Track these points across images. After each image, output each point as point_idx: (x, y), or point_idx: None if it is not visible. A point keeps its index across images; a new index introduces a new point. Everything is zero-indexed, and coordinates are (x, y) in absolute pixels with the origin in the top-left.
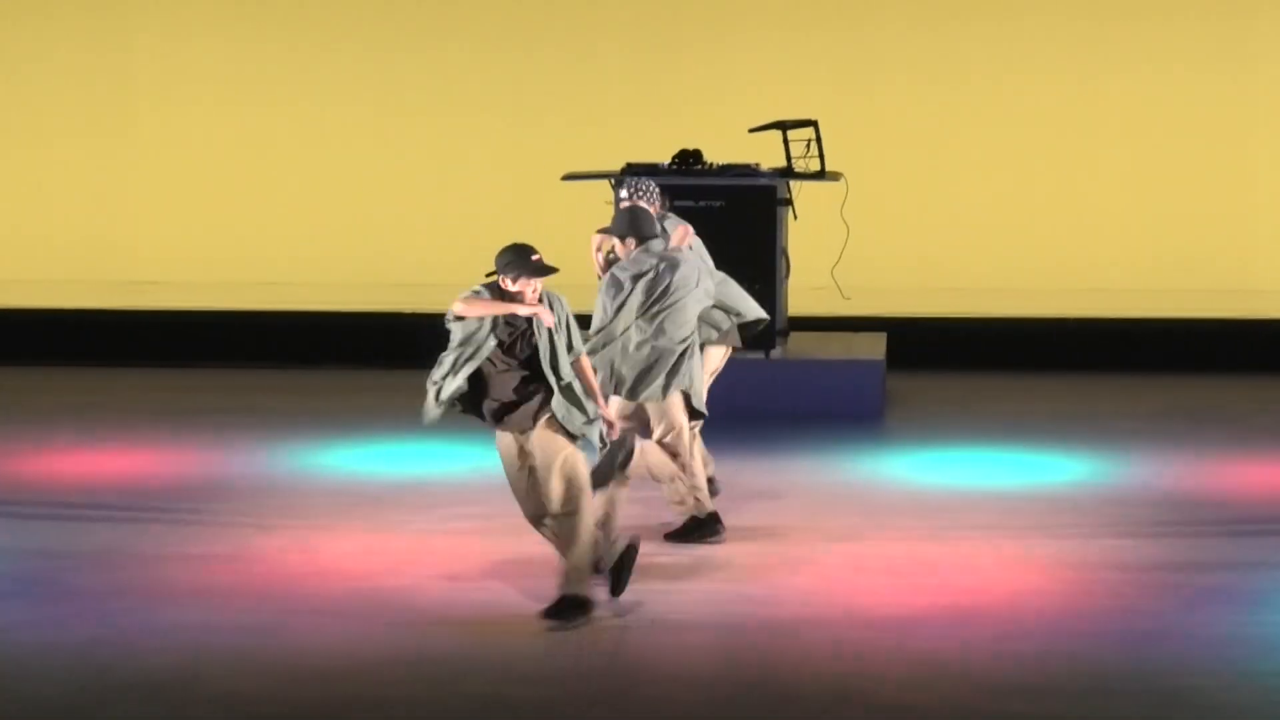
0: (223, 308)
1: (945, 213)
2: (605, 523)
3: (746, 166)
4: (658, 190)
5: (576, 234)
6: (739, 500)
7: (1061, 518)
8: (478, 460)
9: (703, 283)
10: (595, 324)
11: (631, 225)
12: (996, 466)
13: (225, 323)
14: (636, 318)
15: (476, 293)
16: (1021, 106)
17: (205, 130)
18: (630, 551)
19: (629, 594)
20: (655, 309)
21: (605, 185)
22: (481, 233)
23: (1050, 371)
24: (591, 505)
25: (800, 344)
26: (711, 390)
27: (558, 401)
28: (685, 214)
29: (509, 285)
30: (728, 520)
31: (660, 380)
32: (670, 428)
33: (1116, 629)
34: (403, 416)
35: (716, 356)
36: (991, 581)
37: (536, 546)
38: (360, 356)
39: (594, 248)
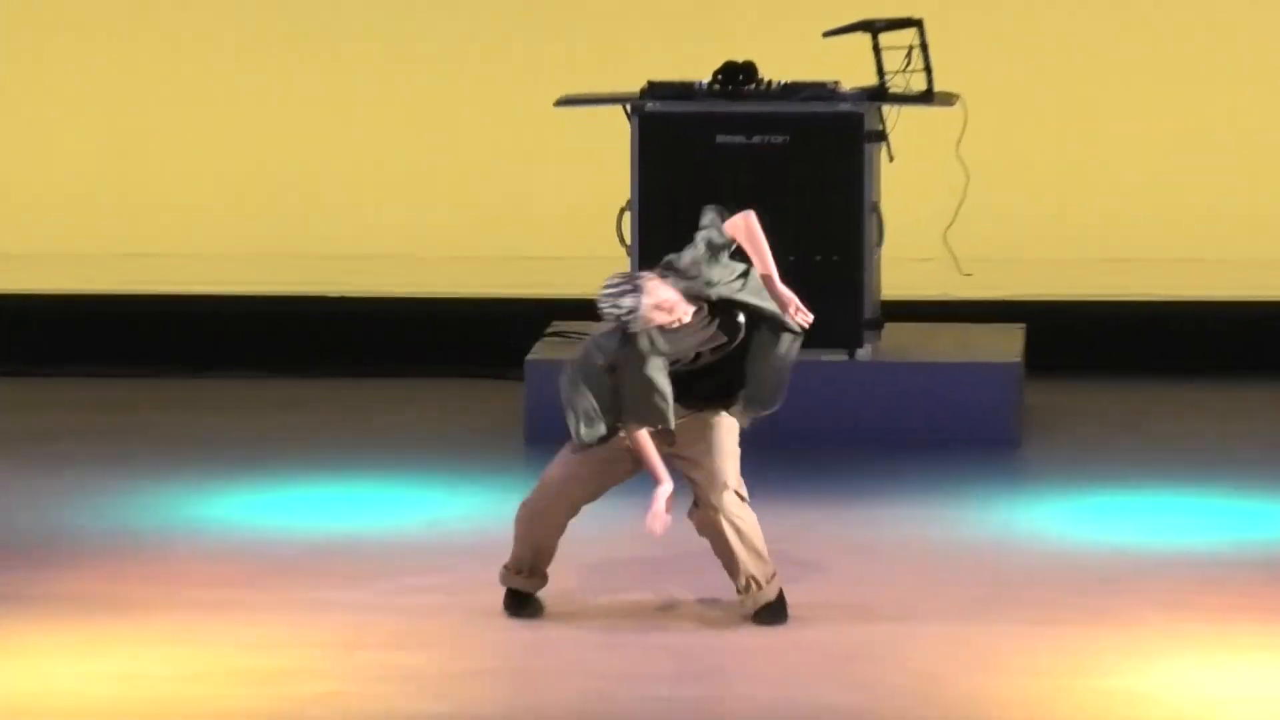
0: (84, 291)
1: (1106, 152)
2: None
3: (821, 86)
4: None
5: (581, 183)
6: (817, 561)
7: (1277, 591)
8: (436, 508)
9: None
10: None
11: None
12: (1181, 516)
13: (86, 312)
14: None
15: None
16: (1205, 9)
17: (71, 70)
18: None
19: (676, 696)
20: None
21: (618, 114)
22: (450, 187)
23: (1256, 376)
24: None
25: (900, 339)
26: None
27: None
28: (736, 152)
29: None
30: (802, 588)
31: None
32: None
33: None
34: (334, 443)
35: None
36: (1175, 682)
37: (522, 629)
38: (273, 358)
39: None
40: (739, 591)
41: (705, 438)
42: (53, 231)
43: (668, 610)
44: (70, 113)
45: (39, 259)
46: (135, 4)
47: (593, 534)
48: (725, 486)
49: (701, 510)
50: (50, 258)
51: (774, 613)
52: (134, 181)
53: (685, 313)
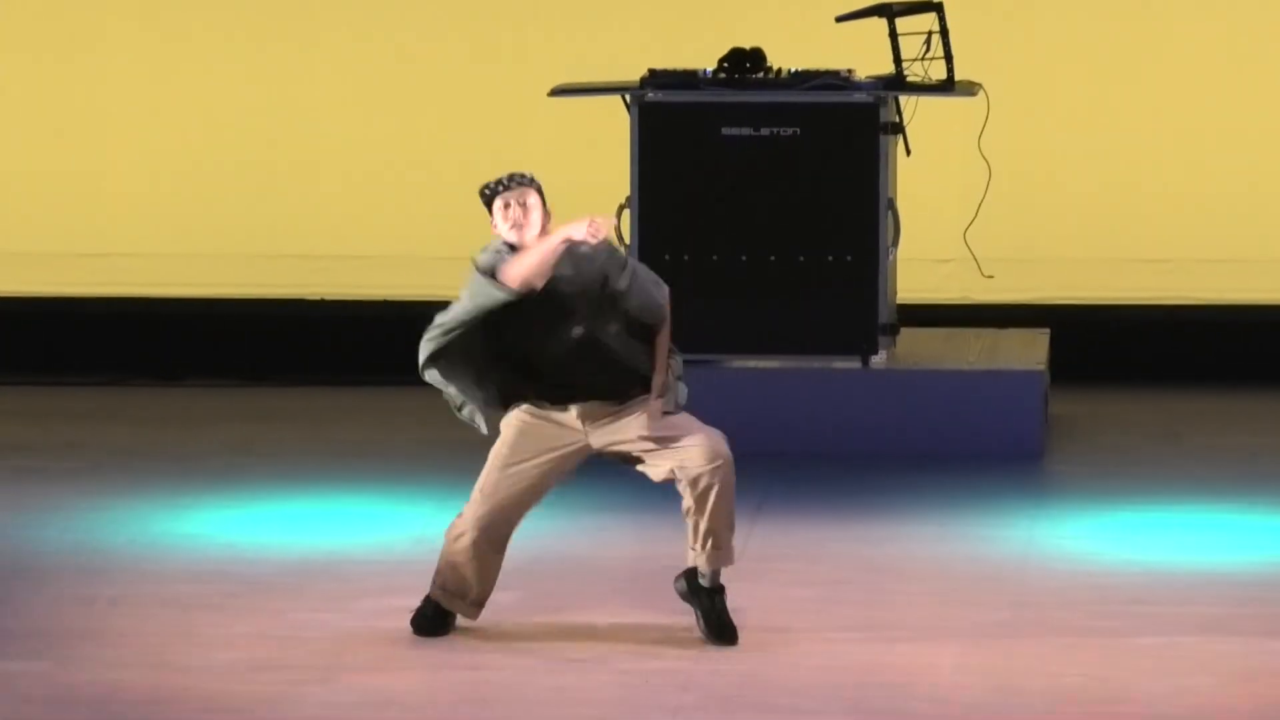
0: (44, 293)
1: (1137, 146)
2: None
3: (834, 74)
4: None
5: (577, 179)
6: (830, 581)
7: None
8: (424, 525)
9: None
10: None
11: None
12: (1215, 533)
13: (46, 315)
14: None
15: None
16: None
17: (32, 60)
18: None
19: None
20: None
21: (616, 104)
22: (436, 183)
23: None
24: None
25: (916, 346)
26: (788, 418)
27: None
28: (742, 145)
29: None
30: (814, 609)
31: None
32: None
33: None
34: (314, 455)
35: None
36: (1209, 710)
37: (513, 653)
38: (249, 364)
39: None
40: (699, 549)
41: (649, 426)
42: (8, 229)
43: (667, 633)
44: (27, 104)
45: None
46: None
47: (586, 552)
48: (713, 442)
49: (704, 473)
50: (6, 256)
51: (726, 630)
52: (95, 176)
53: (519, 219)
